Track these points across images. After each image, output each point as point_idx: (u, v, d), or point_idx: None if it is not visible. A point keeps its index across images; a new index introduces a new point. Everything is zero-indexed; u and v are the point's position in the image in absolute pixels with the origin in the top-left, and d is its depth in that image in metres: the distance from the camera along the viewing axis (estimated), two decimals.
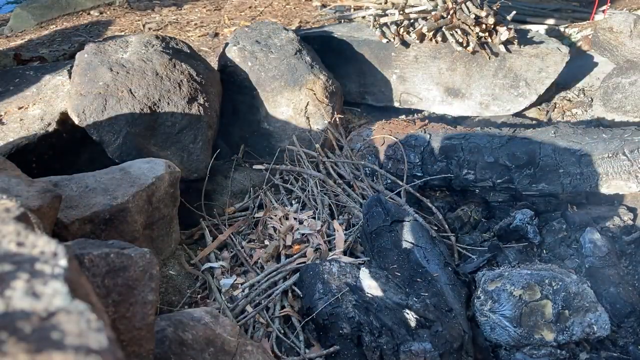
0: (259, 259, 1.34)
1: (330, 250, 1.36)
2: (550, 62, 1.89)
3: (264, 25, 1.90)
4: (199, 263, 1.34)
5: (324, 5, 3.20)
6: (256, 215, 1.50)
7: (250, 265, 1.32)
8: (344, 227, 1.45)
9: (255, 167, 1.68)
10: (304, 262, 1.28)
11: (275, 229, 1.43)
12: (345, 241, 1.38)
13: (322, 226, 1.43)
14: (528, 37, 1.99)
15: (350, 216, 1.50)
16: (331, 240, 1.41)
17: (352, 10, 2.46)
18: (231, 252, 1.38)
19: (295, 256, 1.31)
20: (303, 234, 1.40)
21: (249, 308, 1.19)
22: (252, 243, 1.41)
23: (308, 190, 1.58)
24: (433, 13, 1.92)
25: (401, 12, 2.01)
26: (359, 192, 1.59)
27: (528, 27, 2.25)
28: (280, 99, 1.72)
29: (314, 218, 1.49)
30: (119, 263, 0.59)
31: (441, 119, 2.03)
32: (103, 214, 1.03)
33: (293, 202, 1.57)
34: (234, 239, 1.40)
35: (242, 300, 1.20)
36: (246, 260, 1.33)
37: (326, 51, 2.01)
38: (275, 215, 1.47)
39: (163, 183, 1.21)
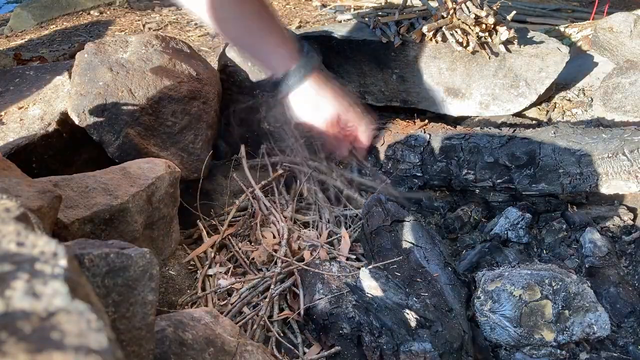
0: (253, 259, 1.34)
1: (329, 254, 1.36)
2: (550, 62, 1.89)
3: None
4: (198, 262, 1.34)
5: (324, 5, 3.20)
6: (253, 216, 1.50)
7: (247, 266, 1.32)
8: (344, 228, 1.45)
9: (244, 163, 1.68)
10: (303, 264, 1.28)
11: (275, 230, 1.43)
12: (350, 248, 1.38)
13: (321, 230, 1.43)
14: (528, 37, 1.99)
15: (350, 219, 1.50)
16: (333, 242, 1.41)
17: (352, 10, 2.46)
18: (230, 252, 1.38)
19: (293, 259, 1.31)
20: (300, 237, 1.40)
21: (246, 309, 1.19)
22: (250, 245, 1.41)
23: (307, 191, 1.58)
24: (433, 13, 1.92)
25: (401, 12, 2.01)
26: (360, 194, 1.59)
27: (528, 27, 2.24)
28: (280, 99, 1.72)
29: (314, 218, 1.49)
30: (119, 263, 0.59)
31: (441, 119, 2.03)
32: (103, 214, 1.03)
33: (291, 203, 1.57)
34: (232, 239, 1.40)
35: (239, 301, 1.20)
36: (244, 262, 1.33)
37: (326, 51, 2.00)
38: (272, 214, 1.47)
39: (163, 183, 1.21)
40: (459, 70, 1.93)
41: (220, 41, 2.81)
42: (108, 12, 3.45)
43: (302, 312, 1.16)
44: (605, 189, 1.39)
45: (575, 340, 1.07)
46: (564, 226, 1.39)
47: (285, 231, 1.39)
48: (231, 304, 1.20)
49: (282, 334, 1.14)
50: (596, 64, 2.17)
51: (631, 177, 1.36)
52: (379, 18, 2.03)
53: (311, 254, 1.33)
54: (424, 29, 1.86)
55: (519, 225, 1.37)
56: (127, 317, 0.59)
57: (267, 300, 1.18)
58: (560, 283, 1.09)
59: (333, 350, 1.05)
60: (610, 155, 1.37)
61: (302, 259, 1.32)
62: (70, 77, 1.48)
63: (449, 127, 1.70)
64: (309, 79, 1.00)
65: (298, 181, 1.63)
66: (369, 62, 2.04)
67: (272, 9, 1.02)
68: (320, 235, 1.43)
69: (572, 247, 1.35)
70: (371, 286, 1.09)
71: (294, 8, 3.34)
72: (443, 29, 1.88)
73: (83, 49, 1.48)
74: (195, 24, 3.16)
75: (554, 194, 1.45)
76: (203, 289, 1.25)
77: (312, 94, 1.01)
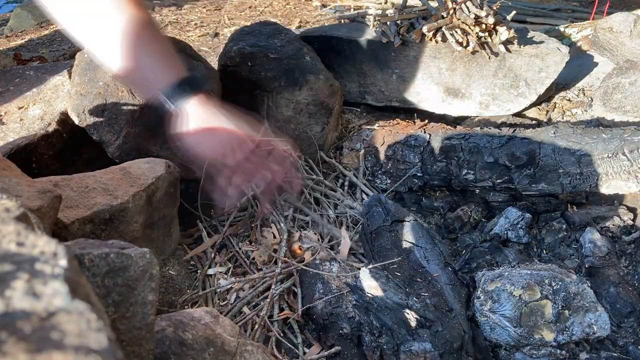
0: (254, 259, 1.34)
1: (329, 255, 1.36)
2: (550, 62, 1.89)
3: (264, 25, 1.90)
4: (198, 262, 1.34)
5: (324, 5, 3.20)
6: (253, 216, 1.50)
7: (247, 266, 1.32)
8: (345, 229, 1.45)
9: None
10: (302, 265, 1.28)
11: (275, 230, 1.43)
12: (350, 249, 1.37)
13: (320, 233, 1.43)
14: (528, 37, 1.99)
15: (349, 218, 1.50)
16: (334, 245, 1.41)
17: (352, 10, 2.46)
18: (230, 252, 1.38)
19: (293, 259, 1.31)
20: (300, 239, 1.40)
21: (246, 309, 1.19)
22: (250, 245, 1.41)
23: (305, 194, 1.58)
24: (433, 13, 1.92)
25: (401, 12, 2.01)
26: (359, 195, 1.59)
27: (528, 27, 2.24)
28: (280, 99, 1.72)
29: (314, 217, 1.49)
30: (119, 263, 0.59)
31: (441, 119, 2.03)
32: (103, 214, 1.03)
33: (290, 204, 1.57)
34: (232, 239, 1.40)
35: (239, 302, 1.20)
36: (244, 262, 1.33)
37: (326, 51, 2.00)
38: (272, 214, 1.47)
39: (163, 183, 1.21)
40: (459, 70, 1.93)
41: (220, 41, 2.81)
42: None
43: (299, 312, 1.16)
44: (605, 189, 1.39)
45: (575, 340, 1.07)
46: (564, 226, 1.39)
47: (285, 232, 1.39)
48: (231, 304, 1.20)
49: (282, 334, 1.14)
50: (596, 64, 2.17)
51: (631, 177, 1.36)
52: (379, 18, 2.03)
53: (311, 254, 1.33)
54: (424, 29, 1.86)
55: (519, 225, 1.37)
56: (127, 317, 0.59)
57: (267, 300, 1.18)
58: (560, 283, 1.09)
59: (333, 350, 1.05)
60: (610, 155, 1.37)
61: (302, 259, 1.32)
62: (70, 77, 1.48)
63: (449, 127, 1.70)
64: (196, 95, 0.82)
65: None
66: (369, 62, 2.04)
67: (165, 38, 0.87)
68: (321, 236, 1.43)
69: (572, 247, 1.35)
70: (371, 286, 1.09)
71: (294, 8, 3.34)
72: (443, 29, 1.88)
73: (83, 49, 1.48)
74: (195, 23, 3.16)
75: (554, 194, 1.45)
76: (203, 289, 1.25)
77: (202, 113, 0.81)
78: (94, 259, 0.57)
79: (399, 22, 1.98)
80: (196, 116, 0.82)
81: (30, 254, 0.34)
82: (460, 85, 1.96)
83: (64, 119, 1.40)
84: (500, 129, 1.57)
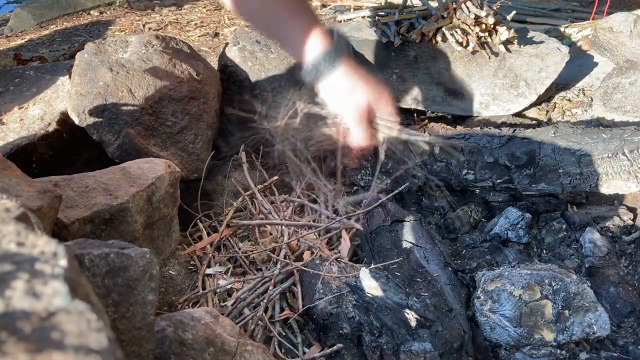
0: (253, 259, 1.34)
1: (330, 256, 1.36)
2: (550, 62, 1.89)
3: None
4: (198, 262, 1.34)
5: (324, 5, 3.20)
6: (252, 217, 1.50)
7: (247, 266, 1.32)
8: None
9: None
10: (302, 265, 1.28)
11: (274, 230, 1.43)
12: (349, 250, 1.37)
13: (320, 234, 1.43)
14: (528, 37, 1.99)
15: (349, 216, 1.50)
16: (332, 246, 1.41)
17: (352, 10, 2.46)
18: (229, 252, 1.38)
19: (293, 259, 1.31)
20: (299, 239, 1.40)
21: (246, 310, 1.19)
22: (250, 245, 1.41)
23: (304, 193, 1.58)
24: (433, 13, 1.92)
25: (401, 12, 2.01)
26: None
27: (528, 27, 2.24)
28: (280, 99, 1.72)
29: (314, 217, 1.49)
30: (119, 263, 0.59)
31: (441, 119, 2.03)
32: (103, 214, 1.03)
33: (290, 204, 1.57)
34: (231, 239, 1.40)
35: (239, 302, 1.20)
36: (244, 262, 1.33)
37: None
38: (271, 213, 1.47)
39: (163, 183, 1.21)
40: (459, 70, 1.93)
41: (220, 41, 2.81)
42: (108, 12, 3.45)
43: (298, 312, 1.16)
44: (605, 189, 1.39)
45: (575, 340, 1.07)
46: (564, 226, 1.39)
47: (284, 232, 1.39)
48: (231, 304, 1.20)
49: (282, 334, 1.14)
50: (596, 64, 2.17)
51: (631, 177, 1.36)
52: (379, 18, 2.03)
53: (311, 254, 1.33)
54: (424, 29, 1.86)
55: (519, 225, 1.37)
56: (127, 317, 0.59)
57: (267, 300, 1.18)
58: (560, 283, 1.09)
59: (334, 348, 1.05)
60: (610, 155, 1.37)
61: (301, 259, 1.32)
62: (70, 77, 1.48)
63: (449, 127, 1.70)
64: (340, 65, 0.95)
65: (299, 183, 1.63)
66: (369, 62, 2.04)
67: None
68: (320, 236, 1.43)
69: (572, 247, 1.35)
70: (371, 286, 1.09)
71: None
72: (443, 29, 1.88)
73: (83, 49, 1.48)
74: (196, 23, 3.16)
75: (554, 194, 1.45)
76: (203, 289, 1.25)
77: (343, 80, 0.97)
78: (94, 259, 0.57)
79: (398, 22, 1.98)
80: (337, 83, 0.97)
81: (30, 254, 0.34)
82: (460, 85, 1.96)
83: (64, 119, 1.40)
84: (500, 129, 1.57)
